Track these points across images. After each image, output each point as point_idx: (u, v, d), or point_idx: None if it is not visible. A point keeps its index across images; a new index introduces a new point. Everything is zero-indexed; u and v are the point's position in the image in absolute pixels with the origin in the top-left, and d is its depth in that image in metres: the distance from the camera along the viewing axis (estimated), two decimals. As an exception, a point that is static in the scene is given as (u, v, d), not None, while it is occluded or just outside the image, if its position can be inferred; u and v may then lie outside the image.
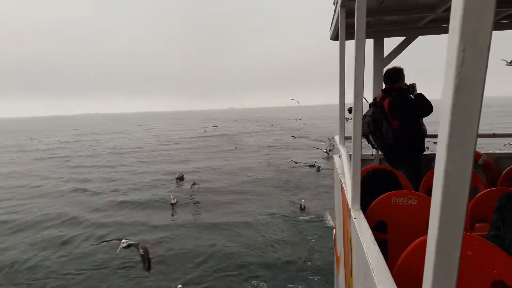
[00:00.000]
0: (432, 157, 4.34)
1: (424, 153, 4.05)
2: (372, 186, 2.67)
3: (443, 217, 0.67)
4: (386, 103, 3.80)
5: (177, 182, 20.76)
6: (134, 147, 41.30)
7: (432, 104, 3.75)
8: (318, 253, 11.05)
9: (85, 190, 20.42)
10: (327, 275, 9.54)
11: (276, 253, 11.20)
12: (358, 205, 2.19)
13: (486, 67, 0.60)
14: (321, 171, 22.28)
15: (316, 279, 9.59)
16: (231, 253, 11.22)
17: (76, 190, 20.57)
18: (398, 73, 3.92)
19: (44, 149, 42.23)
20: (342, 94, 3.41)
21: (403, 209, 2.51)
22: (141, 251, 7.95)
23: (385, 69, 4.21)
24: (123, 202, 17.37)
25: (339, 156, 4.04)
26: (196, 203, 16.62)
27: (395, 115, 3.75)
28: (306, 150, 32.72)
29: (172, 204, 16.26)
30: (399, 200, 2.53)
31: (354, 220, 2.02)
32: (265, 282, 9.49)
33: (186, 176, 21.55)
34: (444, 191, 0.66)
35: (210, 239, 12.36)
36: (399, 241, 2.32)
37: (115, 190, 20.10)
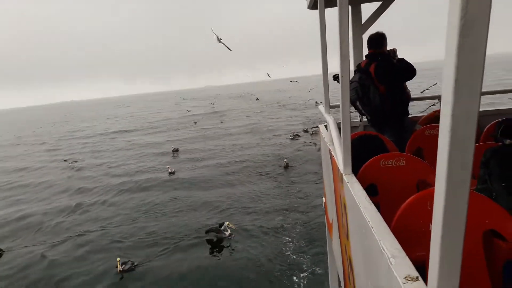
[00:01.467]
0: (415, 120, 4.42)
1: (408, 116, 4.13)
2: (359, 152, 2.71)
3: (452, 161, 0.69)
4: (372, 68, 3.82)
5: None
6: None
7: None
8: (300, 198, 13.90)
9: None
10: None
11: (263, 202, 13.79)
12: (349, 169, 2.22)
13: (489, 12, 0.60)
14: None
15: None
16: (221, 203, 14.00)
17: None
18: (381, 38, 3.94)
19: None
20: (325, 63, 3.40)
21: (393, 171, 2.57)
22: None
23: (365, 35, 4.22)
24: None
25: (325, 126, 4.07)
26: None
27: (383, 79, 3.78)
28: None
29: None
30: (388, 162, 2.59)
31: (347, 183, 2.05)
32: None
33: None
34: (452, 135, 0.67)
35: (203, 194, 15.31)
36: (390, 202, 2.38)
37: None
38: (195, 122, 42.57)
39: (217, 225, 10.85)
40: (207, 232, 10.87)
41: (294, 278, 8.69)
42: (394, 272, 1.16)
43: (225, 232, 10.50)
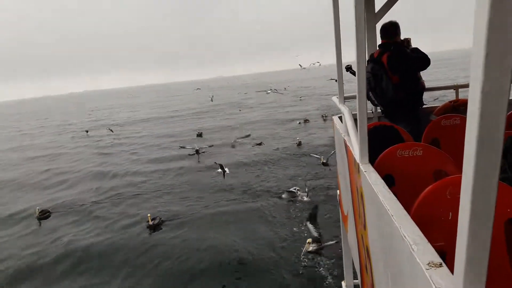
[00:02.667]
0: (430, 110, 4.36)
1: (423, 106, 4.07)
2: (374, 143, 2.69)
3: (481, 138, 0.67)
4: (385, 58, 3.77)
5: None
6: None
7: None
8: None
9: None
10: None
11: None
12: (367, 159, 2.20)
13: None
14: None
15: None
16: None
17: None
18: (394, 27, 3.89)
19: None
20: (339, 53, 3.37)
21: (410, 161, 2.53)
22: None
23: (378, 25, 4.16)
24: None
25: (339, 117, 4.03)
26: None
27: (396, 69, 3.73)
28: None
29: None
30: (404, 152, 2.55)
31: (364, 173, 2.04)
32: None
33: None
34: (482, 109, 0.66)
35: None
36: (407, 192, 2.35)
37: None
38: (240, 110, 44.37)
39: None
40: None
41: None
42: (416, 258, 1.15)
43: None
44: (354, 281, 5.66)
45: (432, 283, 1.02)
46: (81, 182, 18.50)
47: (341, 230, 5.15)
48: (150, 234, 11.04)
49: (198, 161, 19.96)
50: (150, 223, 11.20)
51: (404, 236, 1.28)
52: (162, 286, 8.57)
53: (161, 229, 11.30)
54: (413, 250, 1.19)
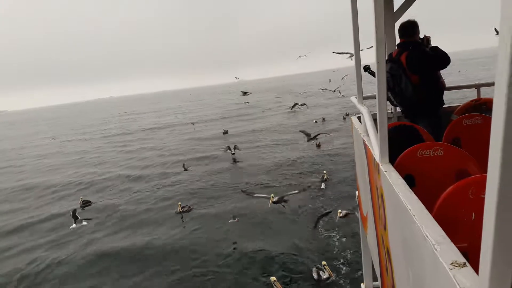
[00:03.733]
0: (451, 110, 4.29)
1: (443, 106, 4.01)
2: (394, 143, 2.66)
3: (507, 136, 0.67)
4: (403, 57, 3.73)
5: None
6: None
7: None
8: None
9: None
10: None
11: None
12: (387, 159, 2.18)
13: None
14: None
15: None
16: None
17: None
18: (413, 26, 3.83)
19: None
20: (358, 52, 3.35)
21: (430, 161, 2.50)
22: None
23: (397, 24, 4.12)
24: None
25: (358, 118, 4.01)
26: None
27: (414, 69, 3.68)
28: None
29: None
30: (425, 152, 2.52)
31: (385, 173, 2.02)
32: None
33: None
34: (508, 106, 0.65)
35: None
36: (428, 192, 2.32)
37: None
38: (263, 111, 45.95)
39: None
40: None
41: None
42: (439, 258, 1.14)
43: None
44: (374, 283, 5.60)
45: (456, 283, 1.01)
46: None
47: (360, 231, 5.11)
48: (181, 218, 12.84)
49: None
50: (180, 210, 13.09)
51: (426, 236, 1.27)
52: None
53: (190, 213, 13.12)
54: (435, 250, 1.18)
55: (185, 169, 19.26)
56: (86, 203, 15.45)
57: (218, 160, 21.32)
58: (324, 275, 8.30)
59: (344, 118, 29.71)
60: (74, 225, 12.45)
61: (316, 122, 30.36)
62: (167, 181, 17.92)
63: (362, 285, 5.83)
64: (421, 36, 3.95)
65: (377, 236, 2.83)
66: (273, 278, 7.86)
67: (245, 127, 33.59)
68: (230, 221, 11.58)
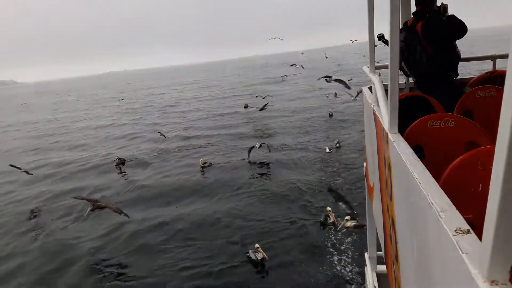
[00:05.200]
0: (464, 82, 4.20)
1: (457, 78, 3.92)
2: (405, 114, 2.64)
3: None
4: (419, 26, 3.63)
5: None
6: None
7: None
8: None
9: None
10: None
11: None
12: (396, 128, 2.17)
13: None
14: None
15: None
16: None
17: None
18: None
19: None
20: (371, 20, 3.27)
21: (441, 132, 2.48)
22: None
23: None
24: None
25: (369, 88, 3.96)
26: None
27: (430, 38, 3.58)
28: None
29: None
30: (436, 123, 2.49)
31: (393, 143, 2.01)
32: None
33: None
34: None
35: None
36: (436, 163, 2.32)
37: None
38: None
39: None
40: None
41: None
42: (443, 225, 1.15)
43: None
44: (378, 253, 5.70)
45: (459, 249, 1.02)
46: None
47: (366, 202, 5.16)
48: (202, 173, 15.06)
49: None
50: (201, 165, 15.40)
51: (432, 204, 1.28)
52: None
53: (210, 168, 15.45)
54: (440, 217, 1.19)
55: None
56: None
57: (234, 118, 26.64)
58: (330, 220, 9.61)
59: (358, 95, 30.00)
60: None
61: (327, 97, 31.60)
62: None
63: (366, 254, 5.94)
64: (438, 4, 3.82)
65: (382, 206, 2.86)
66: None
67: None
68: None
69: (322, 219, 9.89)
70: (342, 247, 8.60)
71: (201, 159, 16.01)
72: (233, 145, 19.25)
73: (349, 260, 8.11)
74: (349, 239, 8.87)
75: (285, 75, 53.80)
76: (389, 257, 2.73)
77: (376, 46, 3.52)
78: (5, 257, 9.89)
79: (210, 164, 15.70)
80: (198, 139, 21.63)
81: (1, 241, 10.88)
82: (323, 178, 12.97)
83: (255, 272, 8.16)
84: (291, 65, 57.39)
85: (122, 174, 16.45)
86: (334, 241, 8.91)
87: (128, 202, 12.55)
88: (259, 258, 8.40)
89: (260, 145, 15.19)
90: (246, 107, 29.98)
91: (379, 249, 5.37)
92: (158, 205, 12.27)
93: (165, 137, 21.40)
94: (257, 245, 8.52)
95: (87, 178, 16.30)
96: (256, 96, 33.25)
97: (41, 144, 26.30)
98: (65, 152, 22.67)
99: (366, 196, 4.95)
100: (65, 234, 10.88)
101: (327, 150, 15.63)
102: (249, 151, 15.46)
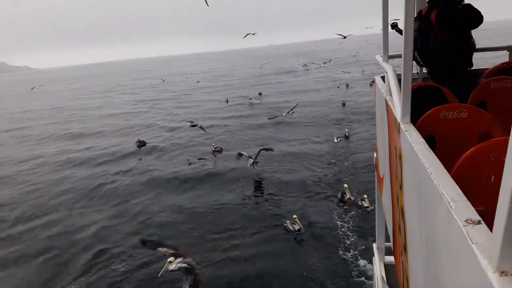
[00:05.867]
0: (479, 72, 4.13)
1: (472, 68, 3.85)
2: (418, 103, 2.60)
3: None
4: (433, 15, 3.56)
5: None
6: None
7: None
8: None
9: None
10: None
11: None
12: (408, 118, 2.15)
13: None
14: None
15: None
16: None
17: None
18: None
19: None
20: (386, 8, 3.22)
21: (453, 123, 2.45)
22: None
23: None
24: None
25: (382, 77, 3.92)
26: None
27: (445, 27, 3.52)
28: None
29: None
30: (448, 114, 2.46)
31: (405, 132, 2.00)
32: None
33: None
34: None
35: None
36: (448, 154, 2.30)
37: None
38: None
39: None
40: None
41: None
42: (454, 215, 1.14)
43: None
44: (386, 243, 5.70)
45: (469, 239, 1.01)
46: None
47: (376, 193, 5.14)
48: (214, 156, 17.07)
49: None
50: (213, 149, 17.30)
51: (443, 194, 1.27)
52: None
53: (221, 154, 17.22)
54: (451, 207, 1.18)
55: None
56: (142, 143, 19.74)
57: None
58: (346, 197, 10.83)
59: (371, 85, 31.83)
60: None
61: (338, 87, 33.21)
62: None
63: (374, 245, 5.95)
64: None
65: (392, 196, 2.85)
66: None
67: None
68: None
69: (339, 196, 11.09)
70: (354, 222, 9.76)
71: (212, 144, 17.72)
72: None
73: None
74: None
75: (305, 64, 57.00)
76: (397, 247, 2.72)
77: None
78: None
79: (221, 150, 17.28)
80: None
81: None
82: (332, 164, 14.39)
83: (293, 240, 9.27)
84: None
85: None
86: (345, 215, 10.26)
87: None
88: (296, 229, 9.34)
89: (253, 162, 13.91)
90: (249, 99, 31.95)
91: (387, 240, 5.37)
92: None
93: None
94: (294, 216, 9.71)
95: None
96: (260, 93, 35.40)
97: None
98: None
99: (375, 187, 4.93)
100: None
101: (335, 140, 16.73)
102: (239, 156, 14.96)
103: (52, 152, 20.78)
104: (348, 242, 8.98)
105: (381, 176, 3.80)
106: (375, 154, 4.59)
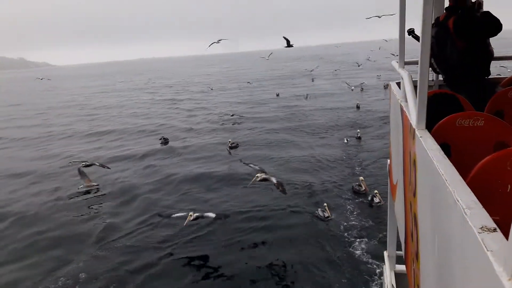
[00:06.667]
0: (496, 81, 4.07)
1: (489, 77, 3.80)
2: (433, 110, 2.58)
3: None
4: (451, 22, 3.53)
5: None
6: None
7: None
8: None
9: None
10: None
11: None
12: (423, 124, 2.14)
13: None
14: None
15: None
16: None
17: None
18: None
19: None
20: (403, 15, 3.21)
21: (469, 131, 2.42)
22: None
23: None
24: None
25: (397, 84, 3.90)
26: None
27: (462, 34, 3.48)
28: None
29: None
30: (464, 122, 2.43)
31: (420, 138, 1.98)
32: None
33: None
34: None
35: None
36: (463, 163, 2.27)
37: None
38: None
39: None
40: None
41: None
42: (469, 222, 1.13)
43: None
44: (397, 252, 5.64)
45: (484, 247, 1.00)
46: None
47: (388, 200, 5.10)
48: (229, 152, 18.35)
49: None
50: (229, 145, 18.58)
51: (457, 200, 1.26)
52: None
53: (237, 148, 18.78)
54: (465, 213, 1.17)
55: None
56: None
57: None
58: (362, 189, 11.73)
59: (385, 88, 33.31)
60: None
61: (352, 90, 34.61)
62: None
63: (385, 253, 5.89)
64: (473, 0, 3.71)
65: (405, 203, 2.82)
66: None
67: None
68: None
69: (356, 187, 11.95)
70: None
71: (229, 139, 19.10)
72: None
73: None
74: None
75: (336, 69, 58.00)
76: (409, 255, 2.70)
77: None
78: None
79: (237, 145, 18.81)
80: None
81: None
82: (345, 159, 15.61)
83: (324, 226, 10.13)
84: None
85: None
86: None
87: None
88: (325, 216, 10.39)
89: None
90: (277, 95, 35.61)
91: (398, 249, 5.31)
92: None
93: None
94: (325, 204, 10.76)
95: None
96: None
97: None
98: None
99: (388, 194, 4.89)
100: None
101: (345, 141, 17.89)
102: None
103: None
104: (359, 233, 9.66)
105: (394, 183, 3.77)
106: (388, 161, 4.56)
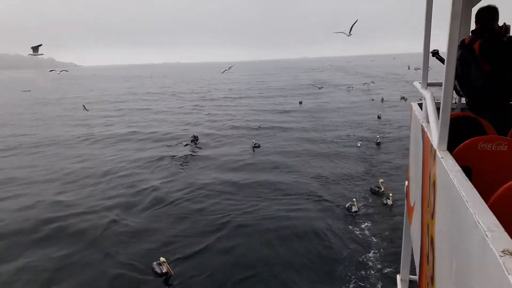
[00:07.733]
0: None
1: None
2: (454, 133, 2.55)
3: None
4: (477, 45, 3.50)
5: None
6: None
7: None
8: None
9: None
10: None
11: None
12: (445, 145, 2.12)
13: None
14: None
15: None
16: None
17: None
18: (493, 12, 3.56)
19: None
20: (428, 36, 3.20)
21: (491, 155, 2.37)
22: None
23: (474, 8, 3.86)
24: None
25: (419, 104, 3.87)
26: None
27: (488, 57, 3.45)
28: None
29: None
30: (487, 145, 2.39)
31: (441, 159, 1.96)
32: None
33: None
34: None
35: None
36: (484, 186, 2.23)
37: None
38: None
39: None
40: None
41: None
42: (490, 245, 1.11)
43: None
44: (410, 276, 5.51)
45: (505, 270, 0.98)
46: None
47: (404, 222, 5.01)
48: (253, 151, 21.18)
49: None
50: (253, 145, 21.23)
51: (478, 222, 1.24)
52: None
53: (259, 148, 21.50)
54: (487, 236, 1.15)
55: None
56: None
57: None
58: (381, 190, 12.69)
59: (402, 98, 37.69)
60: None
61: (373, 100, 37.89)
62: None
63: (398, 276, 5.76)
64: (500, 24, 3.67)
65: (422, 225, 2.78)
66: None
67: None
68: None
69: (375, 188, 12.97)
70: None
71: (253, 140, 21.88)
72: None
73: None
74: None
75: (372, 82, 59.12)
76: (424, 278, 2.64)
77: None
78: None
79: (259, 146, 21.10)
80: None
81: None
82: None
83: (351, 220, 11.61)
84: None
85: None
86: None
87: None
88: (353, 211, 11.52)
89: None
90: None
91: (411, 273, 5.19)
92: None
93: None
94: (354, 199, 12.03)
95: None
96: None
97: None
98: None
99: (404, 216, 4.81)
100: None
101: (358, 145, 19.95)
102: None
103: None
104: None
105: (412, 205, 3.72)
106: (406, 182, 4.50)
